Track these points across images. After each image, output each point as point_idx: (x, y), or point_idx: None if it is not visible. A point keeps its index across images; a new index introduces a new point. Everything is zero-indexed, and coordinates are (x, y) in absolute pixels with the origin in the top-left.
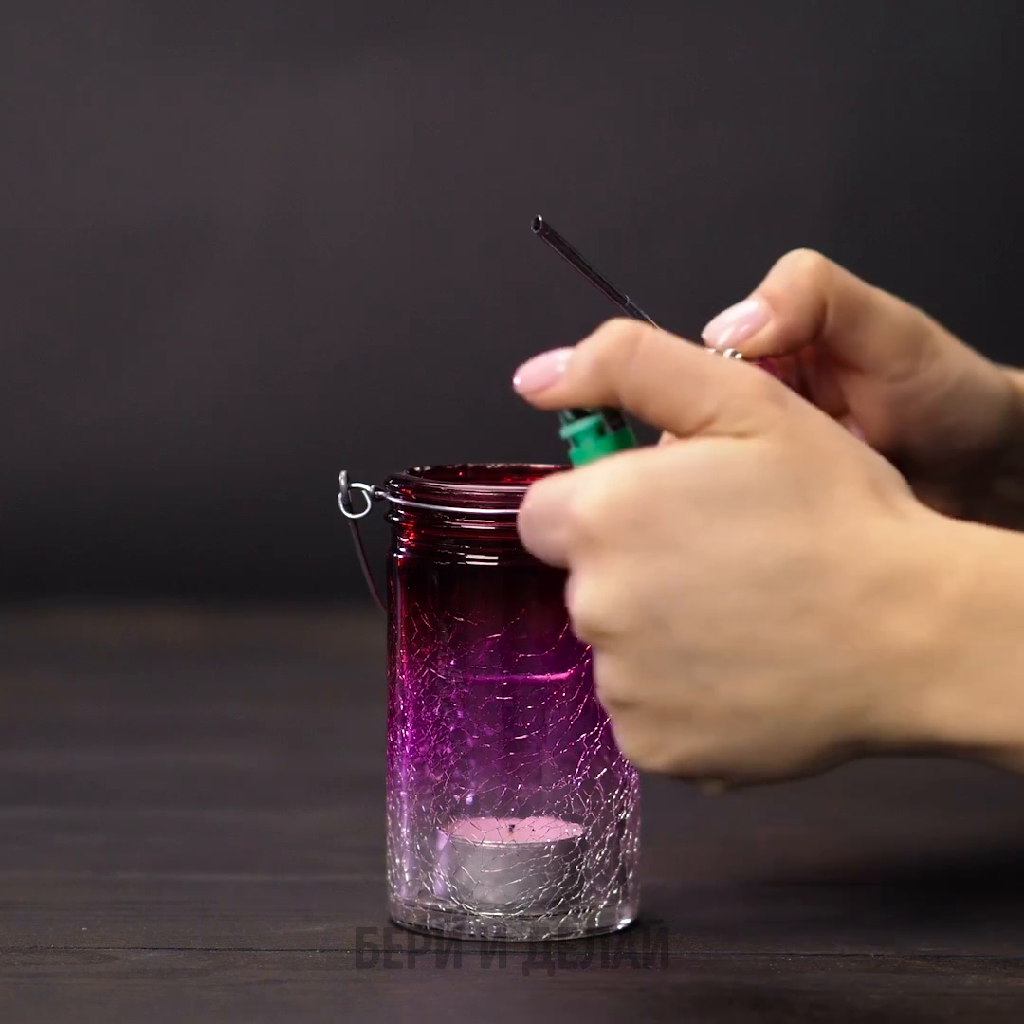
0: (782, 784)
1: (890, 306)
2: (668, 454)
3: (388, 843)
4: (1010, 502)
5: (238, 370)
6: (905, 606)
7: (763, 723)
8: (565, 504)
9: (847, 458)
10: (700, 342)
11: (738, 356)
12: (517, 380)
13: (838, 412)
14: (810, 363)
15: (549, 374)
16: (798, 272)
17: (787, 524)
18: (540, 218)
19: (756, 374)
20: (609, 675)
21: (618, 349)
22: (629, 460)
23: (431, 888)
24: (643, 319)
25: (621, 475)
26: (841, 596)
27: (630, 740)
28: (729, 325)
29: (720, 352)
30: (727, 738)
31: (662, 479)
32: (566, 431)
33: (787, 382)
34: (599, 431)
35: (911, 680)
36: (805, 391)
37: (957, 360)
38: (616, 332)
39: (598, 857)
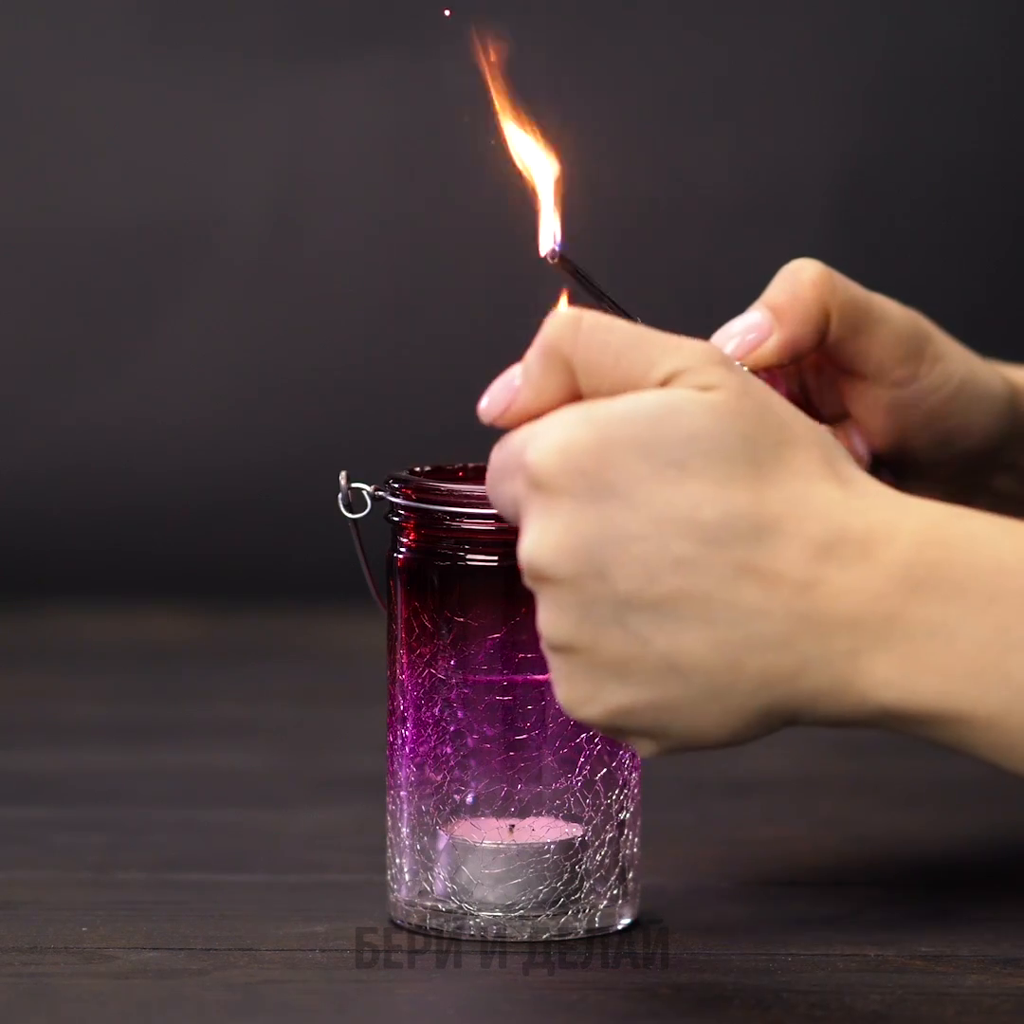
0: (716, 749)
1: (891, 312)
2: (621, 402)
3: (388, 843)
4: (1007, 496)
5: (238, 370)
6: (843, 571)
7: (695, 682)
8: (520, 454)
9: (797, 424)
10: None
11: (744, 369)
12: (483, 406)
13: (839, 417)
14: (811, 370)
15: (509, 390)
16: (800, 283)
17: (733, 479)
18: (556, 248)
19: (705, 343)
20: (549, 620)
21: (564, 331)
22: (582, 408)
23: (431, 888)
24: None
25: (573, 423)
26: (780, 557)
27: (565, 688)
28: (735, 335)
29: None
30: (659, 694)
31: (612, 426)
32: None
33: (789, 389)
34: None
35: (844, 646)
36: (806, 397)
37: (958, 364)
38: (558, 318)
39: (598, 857)
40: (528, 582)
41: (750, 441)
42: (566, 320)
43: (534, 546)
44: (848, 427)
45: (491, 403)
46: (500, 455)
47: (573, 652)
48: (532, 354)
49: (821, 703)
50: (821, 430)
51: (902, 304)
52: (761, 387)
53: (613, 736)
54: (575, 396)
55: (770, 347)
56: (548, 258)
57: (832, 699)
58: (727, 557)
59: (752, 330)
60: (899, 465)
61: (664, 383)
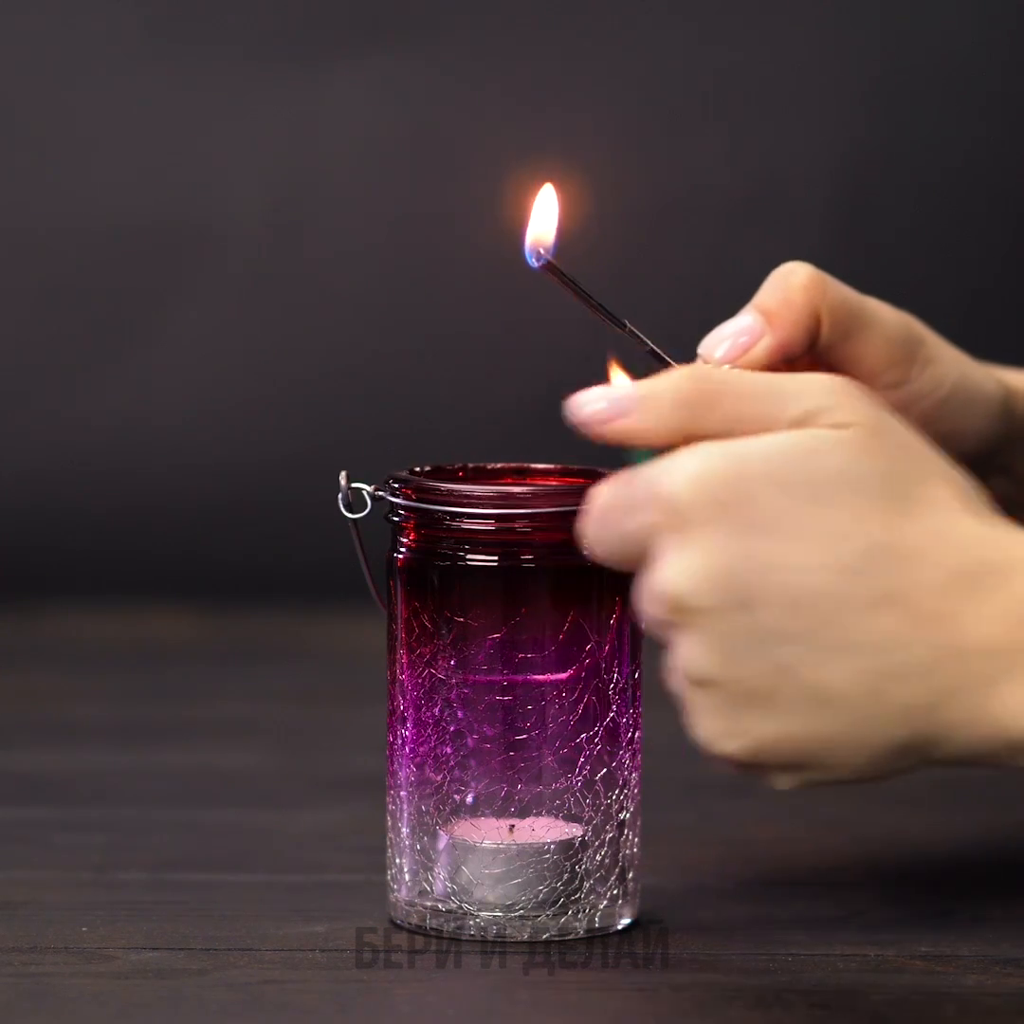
0: (852, 784)
1: (883, 316)
2: (758, 440)
3: (388, 843)
4: (1003, 500)
5: (238, 370)
6: (983, 601)
7: (839, 712)
8: (651, 486)
9: (934, 460)
10: (693, 356)
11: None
12: (574, 408)
13: None
14: (803, 372)
15: (616, 407)
16: (792, 288)
17: (875, 511)
18: (541, 250)
19: (839, 378)
20: (690, 654)
21: (700, 387)
22: (718, 444)
23: (431, 888)
24: (643, 343)
25: (711, 455)
26: (922, 587)
27: (706, 723)
28: (726, 338)
29: (717, 367)
30: (805, 725)
31: (751, 461)
32: None
33: None
34: None
35: (983, 674)
36: None
37: (950, 367)
38: (691, 372)
39: (598, 857)
40: (664, 614)
41: (887, 478)
42: (698, 375)
43: (677, 576)
44: None
45: (591, 412)
46: (617, 491)
47: (715, 685)
48: (663, 393)
49: (957, 734)
50: (956, 466)
51: (895, 307)
52: (896, 423)
53: (751, 772)
54: (687, 438)
55: (761, 350)
56: (535, 264)
57: (968, 729)
58: (869, 587)
59: (744, 333)
60: None
61: (798, 423)
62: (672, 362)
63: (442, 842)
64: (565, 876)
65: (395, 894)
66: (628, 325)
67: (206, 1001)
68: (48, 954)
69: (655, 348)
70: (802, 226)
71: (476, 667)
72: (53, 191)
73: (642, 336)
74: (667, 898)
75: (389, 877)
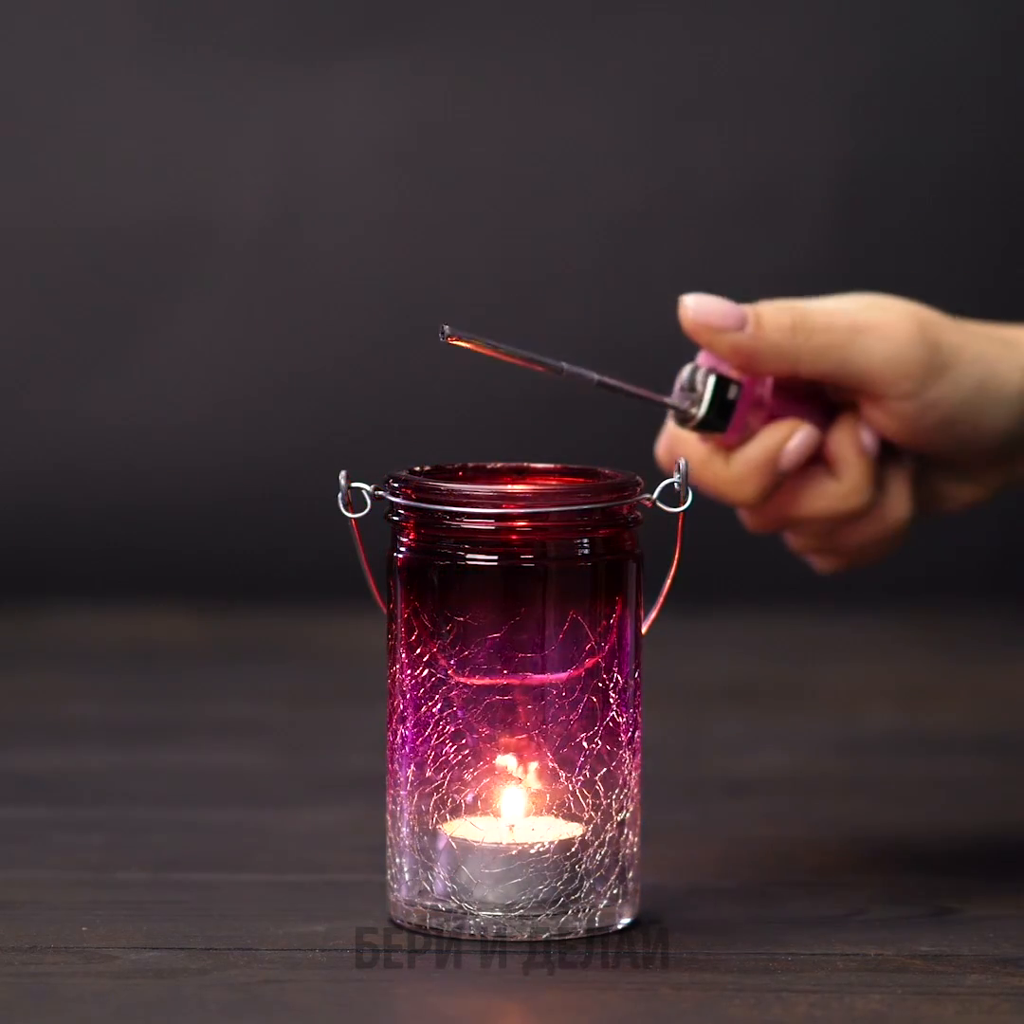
0: None
1: (882, 330)
2: None
3: (388, 843)
4: None
5: (238, 370)
6: None
7: None
8: None
9: None
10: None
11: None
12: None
13: (850, 405)
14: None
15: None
16: (757, 352)
17: None
18: (446, 327)
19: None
20: None
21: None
22: None
23: (431, 888)
24: (585, 379)
25: None
26: None
27: None
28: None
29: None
30: None
31: None
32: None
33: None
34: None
35: None
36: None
37: (970, 369)
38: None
39: (598, 857)
40: None
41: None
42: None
43: None
44: (858, 417)
45: (708, 314)
46: None
47: None
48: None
49: None
50: None
51: (906, 304)
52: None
53: None
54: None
55: (800, 444)
56: (439, 337)
57: None
58: None
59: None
60: (922, 460)
61: None
62: (626, 388)
63: (442, 842)
64: (565, 876)
65: (395, 894)
66: (566, 367)
67: (206, 1001)
68: (48, 954)
69: (595, 379)
70: (803, 224)
71: (476, 667)
72: (54, 191)
73: (582, 371)
74: (667, 898)
75: (389, 877)
